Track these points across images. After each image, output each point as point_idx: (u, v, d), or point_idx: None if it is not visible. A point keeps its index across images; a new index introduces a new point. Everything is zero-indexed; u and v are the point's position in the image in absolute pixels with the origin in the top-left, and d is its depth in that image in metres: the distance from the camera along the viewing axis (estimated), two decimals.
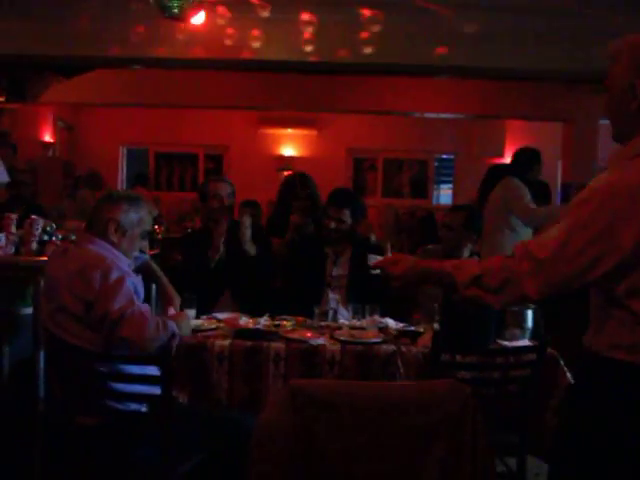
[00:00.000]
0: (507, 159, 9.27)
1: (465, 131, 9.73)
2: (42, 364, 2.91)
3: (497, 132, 9.61)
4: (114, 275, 2.30)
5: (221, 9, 4.49)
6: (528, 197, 4.62)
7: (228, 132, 9.97)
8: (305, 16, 4.54)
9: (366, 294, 3.26)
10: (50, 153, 9.59)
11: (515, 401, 2.62)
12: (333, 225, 3.52)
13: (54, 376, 2.52)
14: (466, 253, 3.56)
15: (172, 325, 2.36)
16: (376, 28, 4.58)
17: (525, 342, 2.87)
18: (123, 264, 2.44)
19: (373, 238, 3.83)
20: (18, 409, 3.00)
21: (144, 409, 2.38)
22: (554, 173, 7.96)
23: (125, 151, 10.83)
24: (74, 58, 4.85)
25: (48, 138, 9.64)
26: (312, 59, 4.62)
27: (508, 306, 2.39)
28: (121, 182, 10.27)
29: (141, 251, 2.66)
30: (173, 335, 2.35)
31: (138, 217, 2.50)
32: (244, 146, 9.89)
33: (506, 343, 2.84)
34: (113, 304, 2.25)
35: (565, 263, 1.56)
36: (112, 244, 2.44)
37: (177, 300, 2.82)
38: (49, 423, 2.79)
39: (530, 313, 2.92)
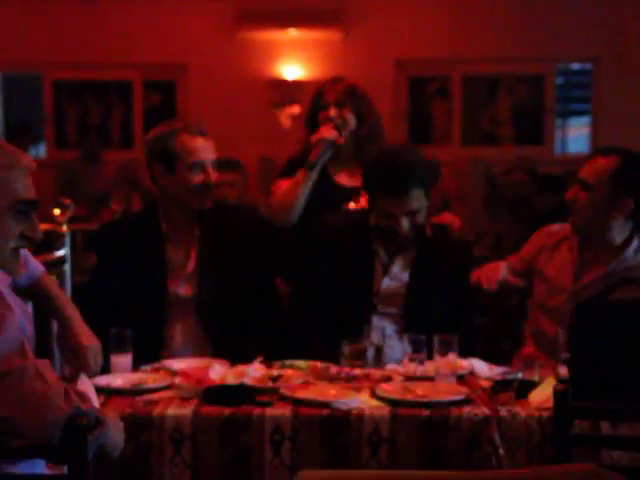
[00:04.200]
0: None
1: (612, 19, 7.41)
2: None
3: None
4: None
5: None
6: None
7: (185, 40, 7.81)
8: None
9: (440, 322, 2.61)
10: None
11: None
12: (406, 226, 2.68)
13: None
14: (618, 234, 2.70)
15: (91, 404, 1.91)
16: None
17: None
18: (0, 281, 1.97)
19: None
20: None
21: None
22: None
23: (0, 79, 8.90)
24: None
25: None
26: None
27: None
28: (4, 134, 8.15)
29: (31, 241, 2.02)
30: (98, 422, 1.84)
31: None
32: (212, 64, 7.64)
33: None
34: None
35: None
36: None
37: (92, 353, 2.23)
38: None
39: None
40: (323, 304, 2.82)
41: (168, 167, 2.74)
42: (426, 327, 2.57)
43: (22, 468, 1.84)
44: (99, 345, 2.23)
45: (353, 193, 3.05)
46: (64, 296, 2.25)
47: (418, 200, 2.67)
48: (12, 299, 1.88)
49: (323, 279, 2.90)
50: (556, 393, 2.00)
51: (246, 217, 3.05)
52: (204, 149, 2.76)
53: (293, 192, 2.99)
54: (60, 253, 3.08)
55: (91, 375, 2.25)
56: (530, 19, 7.42)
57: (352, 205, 3.07)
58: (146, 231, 2.88)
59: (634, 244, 2.72)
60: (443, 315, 2.71)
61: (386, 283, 2.83)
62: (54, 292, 2.23)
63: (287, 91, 7.46)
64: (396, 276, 2.82)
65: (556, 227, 2.94)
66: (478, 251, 5.56)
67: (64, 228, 3.03)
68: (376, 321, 2.78)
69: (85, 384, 2.12)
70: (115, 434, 1.91)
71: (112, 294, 2.77)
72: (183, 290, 2.81)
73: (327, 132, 2.95)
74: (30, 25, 7.62)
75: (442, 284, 2.78)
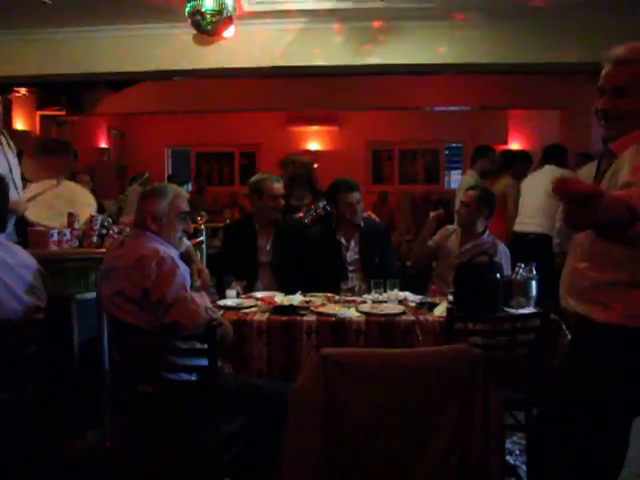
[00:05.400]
0: (511, 145, 9.15)
1: (471, 121, 9.59)
2: (106, 341, 2.98)
3: (500, 121, 9.45)
4: (167, 265, 2.31)
5: (249, 22, 4.46)
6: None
7: (260, 131, 10.02)
8: (332, 26, 4.49)
9: (382, 272, 3.29)
10: (105, 158, 9.76)
11: (522, 362, 2.59)
12: (359, 210, 3.50)
13: (117, 351, 2.56)
14: (480, 227, 3.55)
15: (216, 315, 2.41)
16: (383, 37, 4.53)
17: (530, 309, 2.84)
18: (174, 254, 2.44)
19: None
20: (88, 381, 3.06)
21: (193, 378, 2.41)
22: None
23: (170, 152, 11.05)
24: (120, 74, 4.89)
25: (103, 144, 9.83)
26: (336, 63, 4.59)
27: None
28: (167, 179, 10.42)
29: (188, 234, 2.62)
30: (220, 323, 2.37)
31: (167, 202, 2.49)
32: (275, 143, 9.87)
33: (513, 311, 2.82)
34: (168, 291, 2.26)
35: None
36: (156, 233, 2.46)
37: (206, 273, 2.84)
38: (114, 392, 2.87)
39: (534, 283, 2.89)
40: (321, 271, 3.48)
41: (259, 196, 3.52)
42: (373, 274, 3.26)
43: (185, 345, 2.36)
44: (207, 271, 2.83)
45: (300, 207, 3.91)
46: (197, 257, 2.91)
47: (358, 194, 3.53)
48: (179, 262, 2.41)
49: (317, 258, 3.54)
50: (448, 309, 2.70)
51: (295, 221, 3.77)
52: (278, 189, 3.54)
53: None
54: (200, 238, 3.69)
55: (205, 284, 2.77)
56: (431, 120, 9.50)
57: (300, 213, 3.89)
58: (247, 228, 3.59)
59: (485, 233, 3.49)
60: (380, 266, 3.47)
61: (349, 256, 3.50)
62: (192, 254, 2.90)
63: (312, 156, 9.60)
64: (353, 250, 3.52)
65: (449, 226, 3.71)
66: (407, 235, 6.97)
67: (202, 226, 3.76)
68: (350, 275, 3.48)
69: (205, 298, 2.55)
70: (228, 330, 2.48)
71: (230, 260, 3.46)
72: (264, 259, 3.53)
73: None
74: (183, 126, 9.79)
75: (376, 249, 3.53)
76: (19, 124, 7.03)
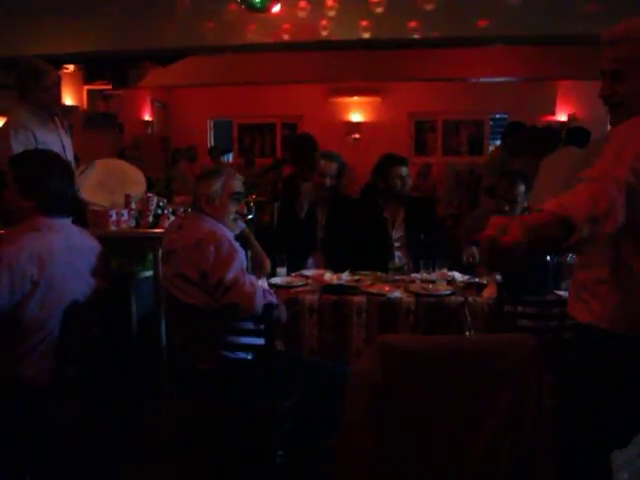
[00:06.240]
0: (558, 116, 8.93)
1: (517, 91, 9.31)
2: (163, 319, 3.05)
3: (548, 92, 9.20)
4: (225, 248, 2.34)
5: None
6: None
7: (302, 103, 9.99)
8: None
9: (426, 250, 3.27)
10: (150, 130, 9.91)
11: (571, 347, 2.46)
12: (407, 184, 3.51)
13: (174, 329, 2.63)
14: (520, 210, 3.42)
15: (273, 297, 2.45)
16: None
17: None
18: (230, 237, 2.47)
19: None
20: (145, 356, 3.16)
21: (250, 357, 2.47)
22: (605, 128, 7.62)
23: (212, 124, 11.17)
24: (168, 50, 4.96)
25: (147, 117, 9.98)
26: (380, 37, 4.61)
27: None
28: (209, 151, 10.50)
29: (242, 216, 2.61)
30: (276, 305, 2.41)
31: (220, 184, 2.51)
32: (316, 114, 9.88)
33: (563, 294, 2.76)
34: (226, 274, 2.30)
35: None
36: (209, 215, 2.49)
37: (267, 264, 2.88)
38: (171, 368, 2.94)
39: None
40: (367, 248, 3.46)
41: (311, 170, 3.58)
42: (419, 251, 3.24)
43: (243, 325, 2.42)
44: (269, 261, 2.88)
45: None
46: (255, 241, 2.90)
47: (407, 169, 3.53)
48: (236, 244, 2.45)
49: (364, 235, 3.51)
50: (497, 291, 2.68)
51: (344, 199, 3.72)
52: (327, 169, 3.54)
53: None
54: (249, 216, 3.49)
55: (264, 275, 2.83)
56: (475, 91, 9.25)
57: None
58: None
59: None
60: (425, 242, 3.40)
61: (395, 233, 3.49)
62: (251, 238, 2.88)
63: (353, 127, 9.89)
64: (398, 227, 3.51)
65: (482, 210, 3.61)
66: (450, 209, 6.99)
67: (252, 204, 3.63)
68: (397, 254, 3.45)
69: (264, 283, 2.72)
70: (283, 311, 2.55)
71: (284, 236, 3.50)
72: (319, 234, 3.55)
73: None
74: (225, 97, 9.79)
75: (421, 224, 3.49)
76: (67, 99, 7.20)
